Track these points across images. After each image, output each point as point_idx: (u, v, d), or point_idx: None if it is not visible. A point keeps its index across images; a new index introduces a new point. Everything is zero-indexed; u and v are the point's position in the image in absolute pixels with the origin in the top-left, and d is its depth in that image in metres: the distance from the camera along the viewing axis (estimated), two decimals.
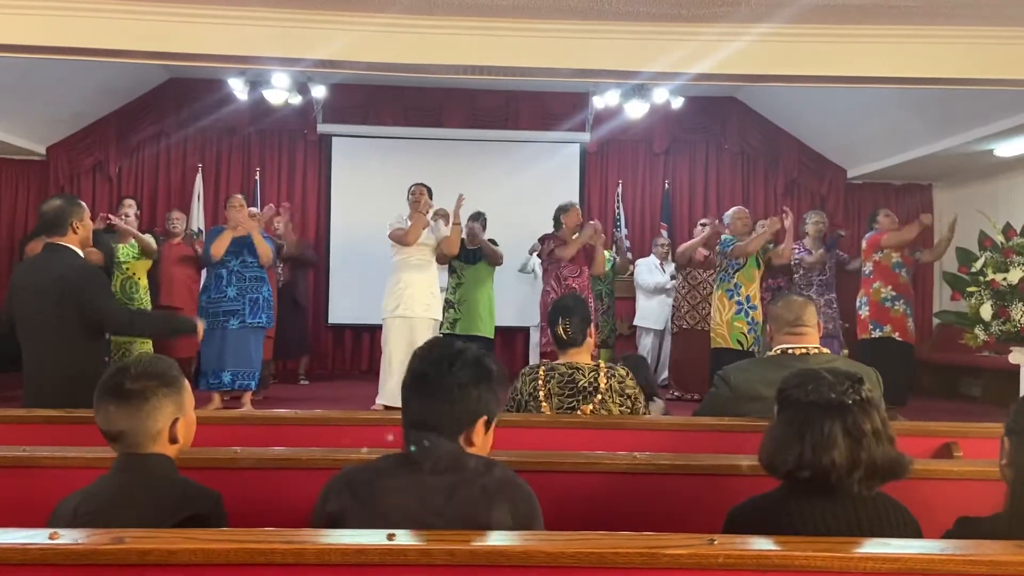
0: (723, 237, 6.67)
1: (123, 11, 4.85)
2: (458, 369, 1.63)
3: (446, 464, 1.62)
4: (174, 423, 1.81)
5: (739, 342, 6.16)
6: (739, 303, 6.23)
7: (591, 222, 6.37)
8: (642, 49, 5.15)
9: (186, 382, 1.90)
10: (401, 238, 6.01)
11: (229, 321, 5.80)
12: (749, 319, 6.17)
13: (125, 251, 6.47)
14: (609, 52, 5.17)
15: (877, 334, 6.32)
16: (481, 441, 1.67)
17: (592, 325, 3.08)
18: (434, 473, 1.61)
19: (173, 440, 1.82)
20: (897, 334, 6.26)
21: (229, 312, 5.80)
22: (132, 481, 1.75)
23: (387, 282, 6.15)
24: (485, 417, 1.67)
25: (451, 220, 6.10)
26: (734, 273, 6.30)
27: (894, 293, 6.32)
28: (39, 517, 1.72)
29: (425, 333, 5.95)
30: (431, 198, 6.15)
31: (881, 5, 4.71)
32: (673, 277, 7.89)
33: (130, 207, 6.75)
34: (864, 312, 6.45)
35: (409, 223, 5.98)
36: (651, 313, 8.07)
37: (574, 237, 6.27)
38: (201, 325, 3.67)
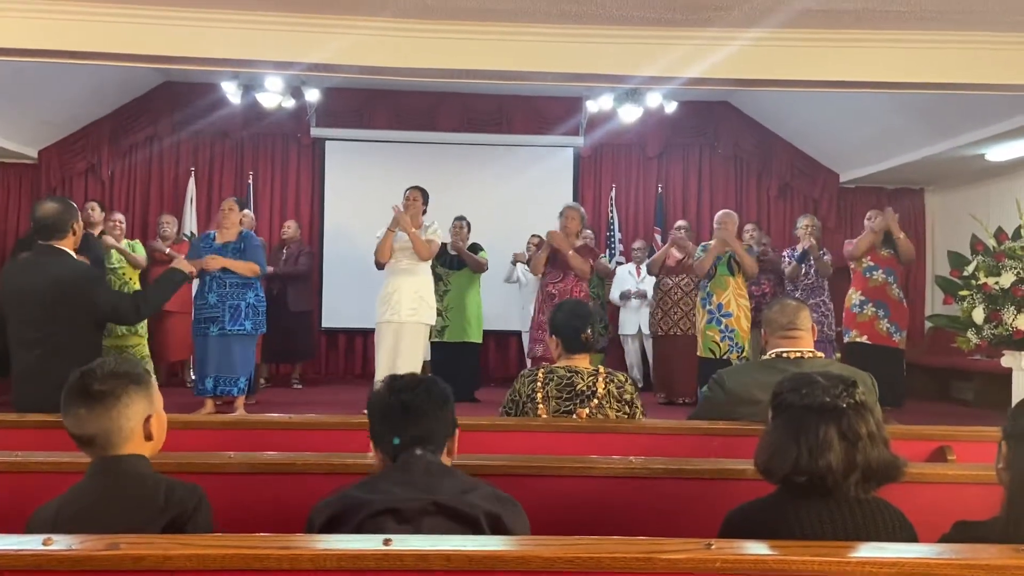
0: (701, 245, 6.70)
1: (117, 14, 4.84)
2: (434, 392, 1.81)
3: (436, 470, 1.73)
4: (147, 420, 1.78)
5: (711, 350, 6.16)
6: (711, 311, 6.24)
7: (550, 231, 6.35)
8: (635, 53, 5.15)
9: (154, 380, 1.88)
10: (375, 256, 6.02)
11: (210, 328, 5.76)
12: (722, 327, 6.17)
13: (119, 256, 6.49)
14: (602, 56, 5.17)
15: (846, 339, 6.37)
16: (455, 450, 1.87)
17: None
18: (426, 475, 1.71)
19: (148, 437, 1.79)
20: (865, 337, 6.24)
21: (210, 319, 5.77)
22: (111, 484, 1.72)
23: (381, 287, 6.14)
24: (457, 429, 1.87)
25: (402, 229, 5.95)
26: (708, 282, 6.32)
27: (863, 298, 6.31)
28: None
29: (412, 338, 5.90)
30: (426, 202, 6.13)
31: (872, 10, 4.73)
32: (624, 295, 8.00)
33: (93, 209, 6.76)
34: (842, 318, 6.50)
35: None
36: (626, 320, 8.18)
37: (539, 253, 6.30)
38: (186, 264, 3.81)
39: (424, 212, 6.15)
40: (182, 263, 3.82)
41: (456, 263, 6.86)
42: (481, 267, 6.89)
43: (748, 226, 7.66)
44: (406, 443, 1.75)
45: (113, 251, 6.47)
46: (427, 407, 1.78)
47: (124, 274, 6.47)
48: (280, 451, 2.38)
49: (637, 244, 8.42)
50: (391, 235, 5.94)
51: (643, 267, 7.97)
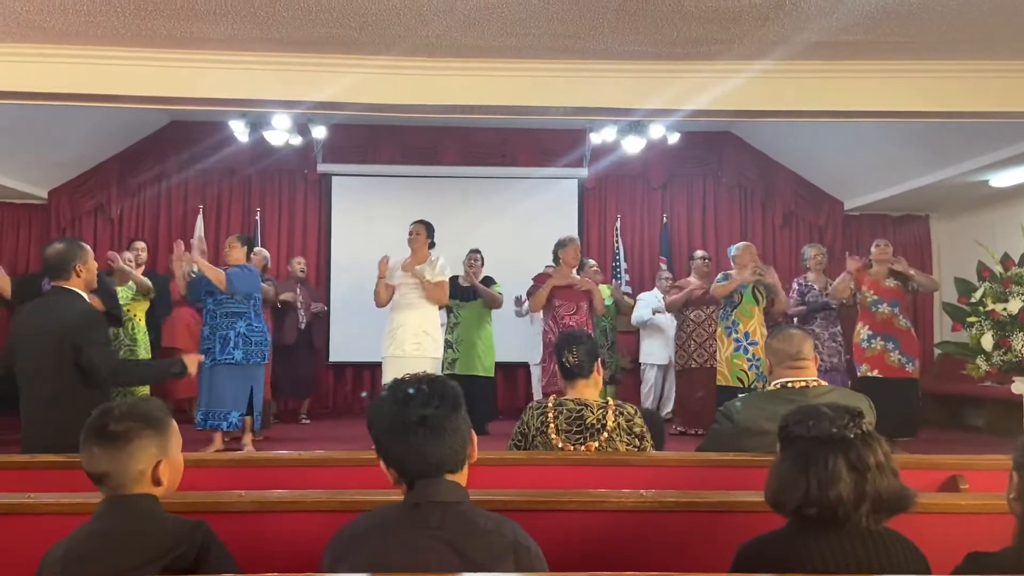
0: (720, 274, 6.69)
1: (124, 58, 4.92)
2: (447, 398, 1.66)
3: (453, 521, 1.60)
4: (156, 465, 1.79)
5: (739, 379, 6.12)
6: (737, 340, 6.20)
7: (583, 279, 6.38)
8: (638, 87, 5.20)
9: (173, 424, 1.88)
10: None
11: (205, 360, 5.77)
12: (749, 355, 6.13)
13: (123, 293, 6.50)
14: (606, 90, 5.22)
15: (859, 374, 6.31)
16: (475, 454, 1.73)
17: (599, 360, 3.07)
18: (442, 528, 1.58)
19: (156, 482, 1.79)
20: (876, 371, 6.19)
21: (205, 351, 5.77)
22: (118, 523, 1.73)
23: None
24: (473, 433, 1.71)
25: (414, 276, 5.99)
26: (732, 310, 6.30)
27: (870, 332, 6.27)
28: None
29: (410, 372, 5.84)
30: (431, 235, 6.14)
31: (873, 41, 4.78)
32: (656, 311, 7.91)
33: (143, 251, 6.81)
34: (852, 353, 6.47)
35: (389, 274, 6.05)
36: (654, 349, 8.04)
37: (541, 289, 6.30)
38: (193, 360, 3.63)
39: (432, 245, 6.15)
40: (192, 360, 3.66)
41: (467, 295, 6.86)
42: (497, 302, 6.88)
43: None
44: (428, 471, 1.62)
45: (118, 288, 6.50)
46: (446, 420, 1.62)
47: (128, 311, 6.50)
48: (289, 488, 2.37)
49: (665, 274, 8.37)
50: (382, 284, 5.98)
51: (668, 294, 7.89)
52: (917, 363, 6.36)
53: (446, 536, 1.56)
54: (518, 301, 7.53)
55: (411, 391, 1.65)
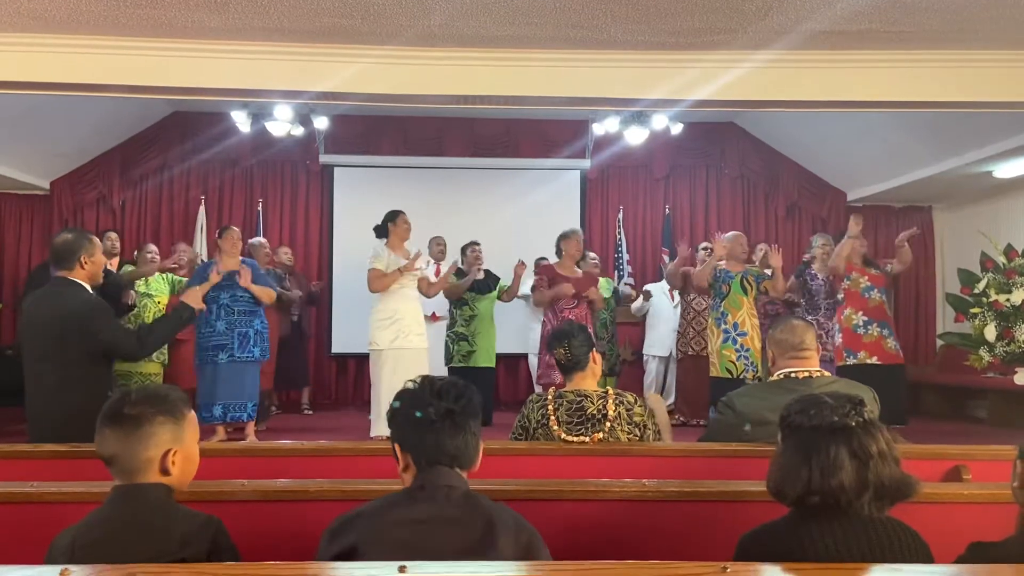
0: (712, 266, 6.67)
1: (127, 47, 4.91)
2: (472, 403, 1.75)
3: (457, 499, 1.67)
4: (167, 453, 1.75)
5: (728, 370, 6.12)
6: (726, 331, 6.18)
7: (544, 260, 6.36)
8: (641, 77, 5.19)
9: (191, 415, 1.84)
10: (370, 284, 5.91)
11: (218, 355, 5.75)
12: (738, 346, 6.12)
13: (158, 286, 6.56)
14: (609, 80, 5.21)
15: (852, 361, 6.17)
16: (479, 462, 1.79)
17: (594, 350, 3.07)
18: (447, 503, 1.66)
19: (164, 472, 1.75)
20: (875, 358, 6.16)
21: (218, 347, 5.76)
22: (128, 511, 1.71)
23: (375, 311, 5.93)
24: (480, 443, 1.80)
25: (433, 278, 5.99)
26: (721, 301, 6.29)
27: (865, 318, 6.23)
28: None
29: (416, 364, 5.83)
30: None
31: (876, 31, 4.76)
32: (648, 299, 7.93)
33: (116, 240, 6.85)
34: (838, 339, 6.33)
35: (388, 265, 5.91)
36: (656, 340, 8.04)
37: (550, 292, 6.23)
38: (196, 298, 3.74)
39: None
40: (194, 297, 3.75)
41: (483, 287, 6.85)
42: (512, 294, 6.96)
43: (761, 246, 7.56)
44: (440, 458, 1.69)
45: (150, 280, 6.56)
46: (469, 419, 1.72)
47: (160, 303, 6.56)
48: (292, 478, 2.38)
49: (671, 266, 8.34)
50: (396, 277, 5.88)
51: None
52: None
53: (449, 512, 1.64)
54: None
55: (443, 387, 1.74)
